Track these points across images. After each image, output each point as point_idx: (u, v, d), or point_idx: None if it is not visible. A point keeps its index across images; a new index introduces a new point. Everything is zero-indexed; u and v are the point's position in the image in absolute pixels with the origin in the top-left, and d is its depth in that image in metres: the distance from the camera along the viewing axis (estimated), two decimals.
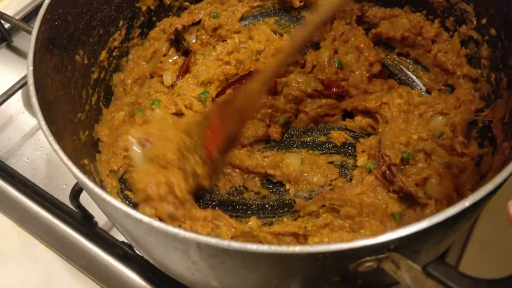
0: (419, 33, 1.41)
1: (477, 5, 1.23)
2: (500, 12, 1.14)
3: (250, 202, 1.29)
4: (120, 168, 1.27)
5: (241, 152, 1.30)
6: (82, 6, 1.19)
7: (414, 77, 1.48)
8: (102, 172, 1.22)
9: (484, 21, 1.21)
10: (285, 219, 1.24)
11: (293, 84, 1.39)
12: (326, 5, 1.06)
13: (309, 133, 1.42)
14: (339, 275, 0.78)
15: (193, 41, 1.55)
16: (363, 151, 1.33)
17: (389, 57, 1.52)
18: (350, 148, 1.38)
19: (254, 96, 1.16)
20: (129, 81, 1.40)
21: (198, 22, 1.56)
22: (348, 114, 1.42)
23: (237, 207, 1.28)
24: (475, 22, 1.25)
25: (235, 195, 1.30)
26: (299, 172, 1.30)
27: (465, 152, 1.22)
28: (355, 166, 1.33)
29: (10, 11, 1.63)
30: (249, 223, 1.21)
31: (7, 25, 1.64)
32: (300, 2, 1.56)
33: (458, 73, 1.32)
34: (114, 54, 1.37)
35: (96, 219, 1.26)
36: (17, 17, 1.62)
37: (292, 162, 1.31)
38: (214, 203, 1.28)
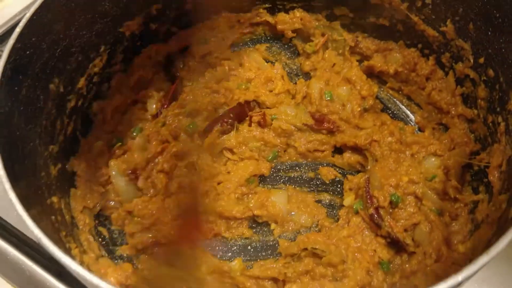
0: (413, 69, 1.35)
1: (475, 44, 1.17)
2: (499, 53, 1.09)
3: (232, 243, 1.22)
4: (97, 205, 1.20)
5: (230, 199, 1.23)
6: (59, 33, 1.12)
7: (408, 112, 1.42)
8: (75, 208, 1.15)
9: (481, 60, 1.15)
10: (266, 262, 1.17)
11: (283, 116, 1.33)
12: None
13: (297, 168, 1.35)
14: None
15: (181, 67, 1.49)
16: (350, 189, 1.27)
17: (382, 89, 1.46)
18: (339, 186, 1.32)
19: None
20: (109, 109, 1.33)
21: (186, 48, 1.50)
22: (338, 149, 1.36)
23: (217, 248, 1.21)
24: (472, 61, 1.19)
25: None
26: (286, 212, 1.24)
27: (459, 198, 1.16)
28: (342, 205, 1.27)
29: None
30: (233, 263, 1.15)
31: None
32: (293, 33, 1.50)
33: (453, 112, 1.27)
34: (94, 80, 1.30)
35: None
36: None
37: (278, 200, 1.25)
38: None
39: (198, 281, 1.10)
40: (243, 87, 1.42)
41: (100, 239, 1.19)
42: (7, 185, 0.76)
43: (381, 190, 1.18)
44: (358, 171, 1.32)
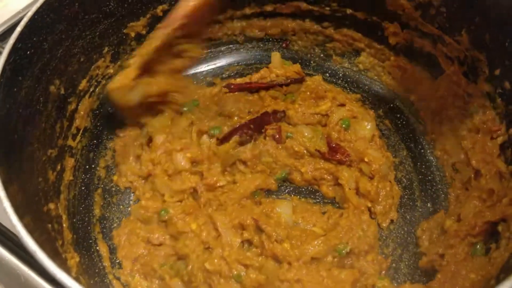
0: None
1: (491, 54, 1.12)
2: None
3: None
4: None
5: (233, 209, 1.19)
6: (61, 33, 1.09)
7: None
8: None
9: (497, 72, 1.11)
10: None
11: (299, 137, 1.28)
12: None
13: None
14: None
15: None
16: None
17: None
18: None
19: None
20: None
21: None
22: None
23: None
24: (487, 72, 1.14)
25: None
26: (291, 222, 1.19)
27: None
28: None
29: None
30: None
31: None
32: None
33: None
34: (96, 82, 1.26)
35: None
36: None
37: (283, 211, 1.20)
38: None
39: None
40: (288, 98, 1.37)
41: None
42: (2, 193, 0.72)
43: None
44: None
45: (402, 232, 1.22)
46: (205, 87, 1.44)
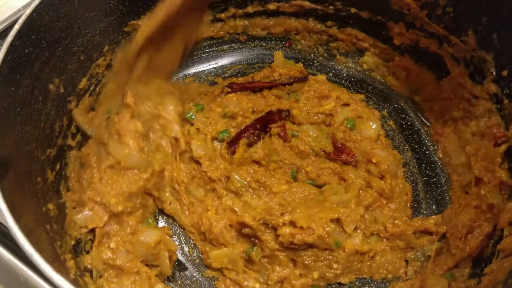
0: None
1: (498, 55, 1.10)
2: None
3: None
4: None
5: None
6: (60, 31, 1.07)
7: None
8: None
9: (505, 73, 1.09)
10: None
11: (304, 136, 1.26)
12: None
13: None
14: None
15: None
16: None
17: None
18: None
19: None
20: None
21: None
22: None
23: None
24: (494, 73, 1.12)
25: None
26: None
27: None
28: None
29: None
30: None
31: None
32: None
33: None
34: (97, 81, 1.25)
35: None
36: None
37: None
38: None
39: None
40: (291, 97, 1.35)
41: None
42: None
43: None
44: None
45: None
46: (207, 86, 1.42)
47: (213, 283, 1.15)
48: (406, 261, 1.15)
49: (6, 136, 0.87)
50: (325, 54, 1.51)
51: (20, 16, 0.98)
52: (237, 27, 1.49)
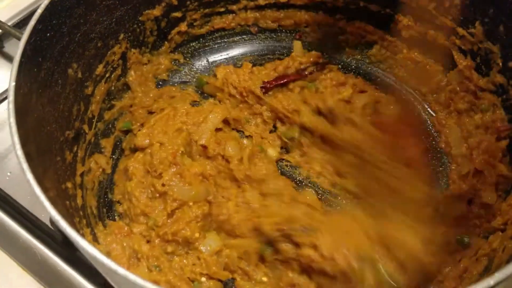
0: None
1: (504, 47, 1.13)
2: None
3: None
4: None
5: None
6: (79, 17, 1.11)
7: None
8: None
9: (511, 64, 1.12)
10: None
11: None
12: None
13: None
14: None
15: None
16: None
17: None
18: None
19: None
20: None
21: None
22: None
23: None
24: (500, 65, 1.15)
25: None
26: None
27: None
28: None
29: (2, 17, 1.55)
30: None
31: None
32: None
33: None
34: (112, 68, 1.28)
35: None
36: (9, 23, 1.53)
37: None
38: None
39: None
40: (311, 87, 1.38)
41: None
42: (25, 165, 0.74)
43: None
44: None
45: None
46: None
47: None
48: None
49: (30, 114, 0.91)
50: (334, 47, 1.54)
51: (39, 6, 1.01)
52: (248, 19, 1.52)
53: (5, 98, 1.33)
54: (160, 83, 1.44)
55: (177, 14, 1.41)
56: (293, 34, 1.55)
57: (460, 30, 1.24)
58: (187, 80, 1.48)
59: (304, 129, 1.30)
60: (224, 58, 1.54)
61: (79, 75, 1.15)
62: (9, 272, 1.17)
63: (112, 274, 0.66)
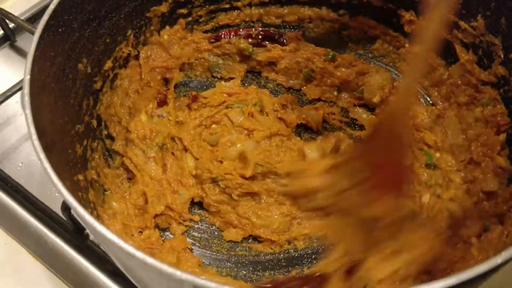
0: None
1: (506, 38, 1.15)
2: None
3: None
4: None
5: None
6: (90, 13, 1.13)
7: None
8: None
9: None
10: None
11: None
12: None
13: None
14: None
15: None
16: None
17: None
18: None
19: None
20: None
21: None
22: None
23: None
24: (502, 56, 1.17)
25: None
26: None
27: None
28: None
29: (15, 11, 1.58)
30: None
31: (11, 25, 1.59)
32: None
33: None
34: (119, 64, 1.31)
35: (88, 231, 1.19)
36: (22, 17, 1.57)
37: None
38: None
39: None
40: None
41: None
42: (42, 155, 0.77)
43: None
44: None
45: None
46: None
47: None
48: None
49: (43, 107, 0.93)
50: (337, 42, 1.56)
51: (49, 2, 1.04)
52: (252, 15, 1.54)
53: (16, 91, 1.36)
54: None
55: (183, 11, 1.43)
56: (297, 30, 1.58)
57: (462, 24, 1.26)
58: None
59: None
60: None
61: (89, 70, 1.18)
62: (20, 260, 1.21)
63: (130, 258, 0.68)
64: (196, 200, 1.24)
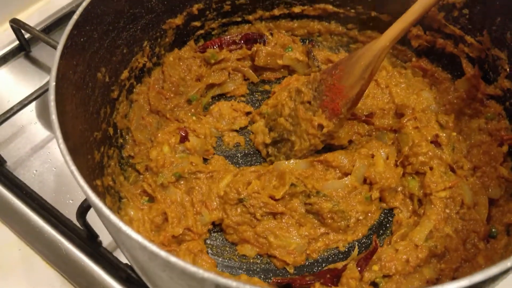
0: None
1: (511, 52, 1.19)
2: None
3: None
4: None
5: None
6: (109, 25, 1.17)
7: None
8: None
9: None
10: None
11: None
12: None
13: None
14: None
15: None
16: None
17: None
18: None
19: (381, 53, 1.14)
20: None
21: None
22: None
23: None
24: (508, 70, 1.21)
25: None
26: None
27: None
28: None
29: (31, 22, 1.62)
30: None
31: (27, 35, 1.63)
32: None
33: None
34: (135, 74, 1.35)
35: (101, 238, 1.22)
36: (38, 28, 1.61)
37: None
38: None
39: None
40: None
41: None
42: (68, 157, 0.79)
43: None
44: None
45: None
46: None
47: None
48: None
49: (66, 113, 0.96)
50: (346, 55, 1.60)
51: (64, 14, 1.07)
52: (263, 28, 1.59)
53: (31, 100, 1.39)
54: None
55: (197, 23, 1.47)
56: (306, 43, 1.62)
57: (468, 38, 1.30)
58: None
59: None
60: None
61: (107, 79, 1.21)
62: (34, 266, 1.23)
63: (153, 258, 0.71)
64: (217, 222, 1.24)
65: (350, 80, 1.17)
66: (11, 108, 1.37)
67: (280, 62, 1.50)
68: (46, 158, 1.42)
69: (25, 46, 1.66)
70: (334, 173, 1.24)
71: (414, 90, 1.41)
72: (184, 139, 1.30)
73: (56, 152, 1.41)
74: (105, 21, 1.16)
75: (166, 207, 1.20)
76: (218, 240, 1.25)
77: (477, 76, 1.32)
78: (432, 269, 1.10)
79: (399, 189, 1.26)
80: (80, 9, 1.06)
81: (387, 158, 1.27)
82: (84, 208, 1.11)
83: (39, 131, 1.49)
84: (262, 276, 1.19)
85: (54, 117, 0.86)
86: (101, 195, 1.08)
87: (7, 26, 1.60)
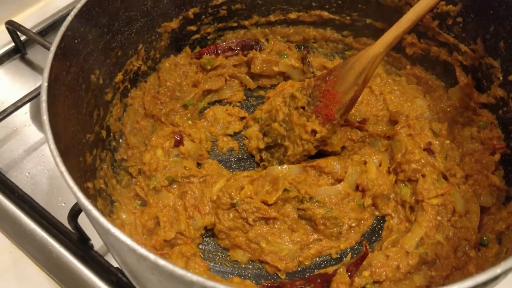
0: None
1: (504, 61, 1.19)
2: None
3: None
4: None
5: None
6: (104, 27, 1.17)
7: None
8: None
9: (511, 77, 1.18)
10: None
11: None
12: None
13: None
14: None
15: None
16: None
17: None
18: None
19: (375, 59, 1.15)
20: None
21: None
22: None
23: None
24: (501, 78, 1.21)
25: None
26: None
27: None
28: None
29: (27, 24, 1.62)
30: None
31: (23, 38, 1.63)
32: None
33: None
34: (129, 77, 1.34)
35: (93, 241, 1.21)
36: (34, 30, 1.61)
37: None
38: None
39: None
40: None
41: None
42: (58, 159, 0.79)
43: None
44: None
45: None
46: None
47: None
48: None
49: (58, 115, 0.96)
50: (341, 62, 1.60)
51: (62, 15, 1.07)
52: (258, 34, 1.59)
53: (25, 102, 1.39)
54: None
55: (192, 28, 1.47)
56: (302, 49, 1.62)
57: (462, 47, 1.31)
58: None
59: None
60: None
61: (100, 81, 1.21)
62: (25, 269, 1.22)
63: (142, 261, 0.70)
64: (209, 227, 1.23)
65: (344, 86, 1.17)
66: (5, 110, 1.37)
67: (275, 69, 1.51)
68: (39, 160, 1.42)
69: (20, 48, 1.66)
70: (326, 179, 1.24)
71: (408, 98, 1.41)
72: (179, 143, 1.30)
73: (49, 154, 1.38)
74: (100, 23, 1.16)
75: (158, 211, 1.19)
76: (210, 245, 1.24)
77: (470, 85, 1.33)
78: (422, 276, 1.10)
79: (391, 196, 1.26)
80: (75, 10, 1.06)
81: (380, 165, 1.27)
82: (76, 211, 1.10)
83: (32, 133, 1.48)
84: (254, 282, 1.18)
85: (45, 117, 0.86)
86: (92, 198, 1.07)
87: (3, 28, 1.60)
